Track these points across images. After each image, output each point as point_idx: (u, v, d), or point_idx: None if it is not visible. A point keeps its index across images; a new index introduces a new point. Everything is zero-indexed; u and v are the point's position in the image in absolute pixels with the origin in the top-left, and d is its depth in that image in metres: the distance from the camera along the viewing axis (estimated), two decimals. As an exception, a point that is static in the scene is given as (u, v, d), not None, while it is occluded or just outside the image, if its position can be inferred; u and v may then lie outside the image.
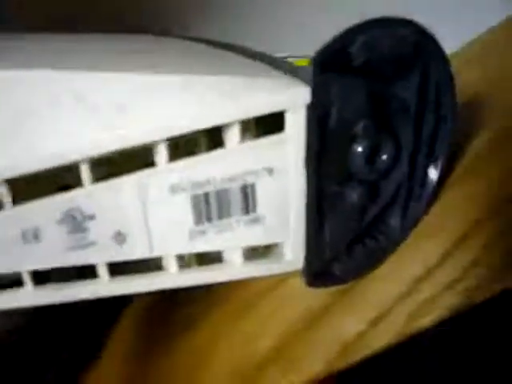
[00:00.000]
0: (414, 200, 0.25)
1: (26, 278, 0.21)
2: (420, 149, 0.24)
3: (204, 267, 0.23)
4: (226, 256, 0.23)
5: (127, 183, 0.21)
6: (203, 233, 0.22)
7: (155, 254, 0.22)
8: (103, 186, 0.20)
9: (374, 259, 0.25)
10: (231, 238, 0.22)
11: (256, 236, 0.23)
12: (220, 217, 0.22)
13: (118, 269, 0.22)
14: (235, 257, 0.23)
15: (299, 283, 0.24)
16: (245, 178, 0.22)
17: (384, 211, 0.24)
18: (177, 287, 0.22)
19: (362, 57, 0.21)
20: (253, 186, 0.22)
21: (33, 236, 0.20)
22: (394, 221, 0.25)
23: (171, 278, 0.22)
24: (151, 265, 0.22)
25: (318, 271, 0.24)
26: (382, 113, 0.23)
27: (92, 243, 0.21)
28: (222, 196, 0.22)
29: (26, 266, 0.20)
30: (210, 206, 0.22)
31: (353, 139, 0.22)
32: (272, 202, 0.22)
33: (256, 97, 0.21)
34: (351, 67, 0.21)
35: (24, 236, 0.20)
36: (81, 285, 0.22)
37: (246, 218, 0.22)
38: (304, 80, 0.21)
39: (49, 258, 0.20)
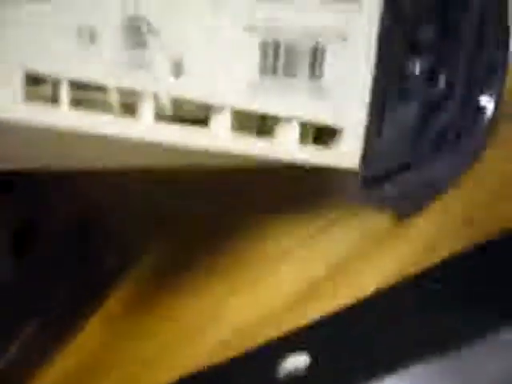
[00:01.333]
0: (466, 135, 0.24)
1: (63, 95, 0.18)
2: (475, 79, 0.24)
3: (259, 139, 0.22)
4: (279, 131, 0.22)
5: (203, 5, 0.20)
6: (266, 90, 0.21)
7: (211, 100, 0.21)
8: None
9: (423, 194, 0.24)
10: (293, 104, 0.22)
11: (318, 110, 0.22)
12: (286, 72, 0.21)
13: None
14: (290, 133, 0.22)
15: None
16: (317, 38, 0.22)
17: (436, 144, 0.24)
18: (222, 150, 0.21)
19: None
20: (323, 50, 0.22)
21: (89, 37, 0.18)
22: (444, 155, 0.24)
23: (223, 141, 0.21)
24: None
25: (372, 180, 0.24)
26: (446, 20, 0.23)
27: (148, 64, 0.19)
28: (291, 49, 0.21)
29: (70, 72, 0.18)
30: (278, 57, 0.21)
31: (414, 48, 0.23)
32: (339, 74, 0.22)
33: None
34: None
35: (79, 33, 0.18)
36: (116, 122, 0.19)
37: (311, 84, 0.22)
38: None
39: (99, 71, 0.19)
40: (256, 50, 0.21)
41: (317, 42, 0.22)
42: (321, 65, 0.22)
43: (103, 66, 0.18)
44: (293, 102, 0.22)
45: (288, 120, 0.22)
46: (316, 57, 0.22)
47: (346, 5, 0.22)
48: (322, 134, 0.23)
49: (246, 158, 0.22)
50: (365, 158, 0.23)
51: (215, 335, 0.23)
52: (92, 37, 0.18)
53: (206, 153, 0.21)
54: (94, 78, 0.19)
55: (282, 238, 0.28)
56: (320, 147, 0.23)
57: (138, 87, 0.19)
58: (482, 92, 0.25)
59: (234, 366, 0.21)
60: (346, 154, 0.23)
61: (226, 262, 0.28)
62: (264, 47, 0.21)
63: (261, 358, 0.21)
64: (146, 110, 0.20)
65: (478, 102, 0.24)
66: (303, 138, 0.23)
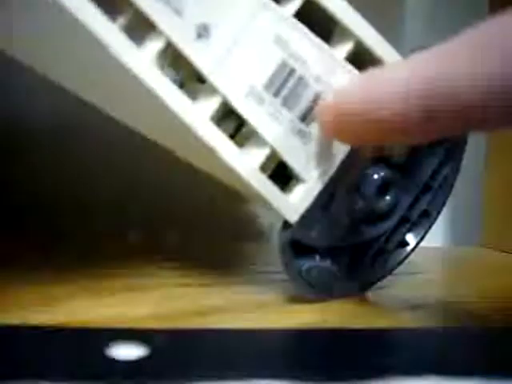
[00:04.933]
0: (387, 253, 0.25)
1: None
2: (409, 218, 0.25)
3: (229, 141, 0.22)
4: (247, 147, 0.22)
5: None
6: (261, 100, 0.22)
7: (212, 79, 0.21)
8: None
9: (323, 282, 0.24)
10: (274, 132, 0.22)
11: (293, 152, 0.22)
12: (284, 101, 0.22)
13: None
14: (257, 155, 0.22)
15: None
16: (325, 89, 0.22)
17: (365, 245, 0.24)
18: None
19: None
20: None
21: None
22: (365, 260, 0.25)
23: (200, 125, 0.21)
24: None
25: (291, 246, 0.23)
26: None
27: (181, 13, 0.20)
28: (299, 85, 0.22)
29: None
30: (285, 83, 0.22)
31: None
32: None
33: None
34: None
35: None
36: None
37: (297, 123, 0.22)
38: None
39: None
40: (274, 64, 0.22)
41: (322, 92, 0.23)
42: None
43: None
44: (275, 130, 0.22)
45: (262, 142, 0.22)
46: (314, 104, 0.22)
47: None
48: (278, 174, 0.23)
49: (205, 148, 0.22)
50: (302, 221, 0.23)
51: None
52: None
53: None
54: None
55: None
56: (272, 184, 0.23)
57: (157, 19, 0.20)
58: (410, 230, 0.25)
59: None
60: (291, 206, 0.23)
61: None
62: (281, 66, 0.22)
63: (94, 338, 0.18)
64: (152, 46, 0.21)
65: (403, 236, 0.25)
66: (264, 167, 0.22)
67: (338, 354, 0.18)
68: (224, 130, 0.22)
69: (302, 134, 0.23)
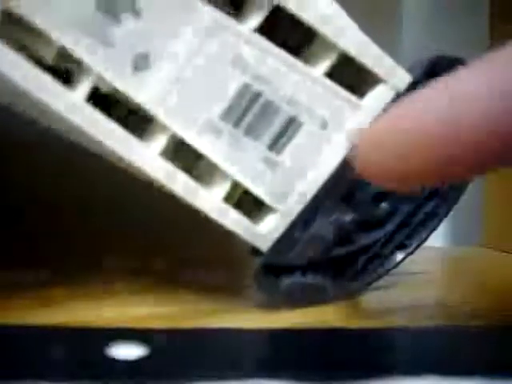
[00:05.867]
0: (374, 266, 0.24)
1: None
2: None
3: (186, 178, 0.20)
4: (208, 180, 0.20)
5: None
6: (219, 133, 0.19)
7: (157, 115, 0.19)
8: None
9: (308, 296, 0.23)
10: (236, 163, 0.20)
11: (260, 182, 0.20)
12: (248, 129, 0.20)
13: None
14: (218, 188, 0.20)
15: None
16: (300, 111, 0.20)
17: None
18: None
19: None
20: (297, 126, 0.20)
21: None
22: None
23: (150, 161, 0.19)
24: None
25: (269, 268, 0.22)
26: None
27: (112, 45, 0.18)
28: (267, 111, 0.20)
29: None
30: (248, 110, 0.19)
31: None
32: (299, 156, 0.20)
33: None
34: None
35: None
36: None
37: (265, 152, 0.20)
38: None
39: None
40: (232, 90, 0.19)
41: (297, 114, 0.20)
42: (288, 139, 0.20)
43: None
44: (238, 162, 0.20)
45: (224, 175, 0.20)
46: (287, 129, 0.20)
47: (346, 100, 0.21)
48: (245, 201, 0.21)
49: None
50: (276, 245, 0.21)
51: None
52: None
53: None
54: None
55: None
56: (238, 214, 0.21)
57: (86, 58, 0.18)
58: (410, 235, 0.24)
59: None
60: (262, 236, 0.21)
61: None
62: (242, 92, 0.19)
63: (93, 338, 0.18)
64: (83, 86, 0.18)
65: (393, 254, 0.24)
66: (228, 197, 0.21)
67: (337, 354, 0.18)
68: (181, 162, 0.20)
69: (271, 163, 0.20)
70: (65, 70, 0.19)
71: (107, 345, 0.17)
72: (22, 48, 0.18)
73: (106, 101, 0.19)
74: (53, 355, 0.16)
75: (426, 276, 0.32)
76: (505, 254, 0.40)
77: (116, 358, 0.16)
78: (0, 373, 0.14)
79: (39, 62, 0.18)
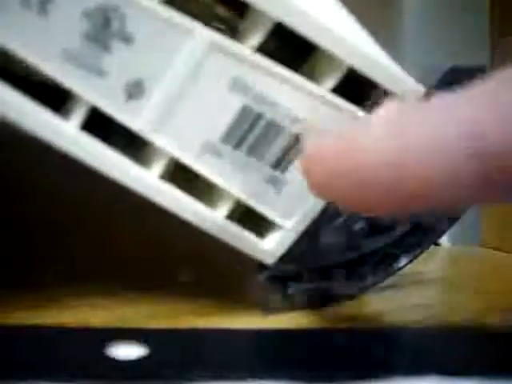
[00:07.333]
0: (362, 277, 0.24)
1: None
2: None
3: (189, 197, 0.20)
4: (210, 199, 0.20)
5: (196, 32, 0.17)
6: (219, 155, 0.19)
7: (154, 141, 0.18)
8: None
9: (314, 300, 0.23)
10: (240, 183, 0.20)
11: (263, 200, 0.20)
12: (250, 150, 0.19)
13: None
14: (221, 207, 0.20)
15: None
16: (305, 129, 0.19)
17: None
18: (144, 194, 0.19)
19: None
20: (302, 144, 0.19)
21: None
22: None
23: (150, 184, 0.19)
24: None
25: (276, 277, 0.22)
26: None
27: (104, 74, 0.17)
28: (269, 131, 0.19)
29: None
30: (250, 131, 0.19)
31: None
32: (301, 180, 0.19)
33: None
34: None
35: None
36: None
37: (268, 171, 0.20)
38: None
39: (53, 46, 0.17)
40: (232, 112, 0.19)
41: (301, 134, 0.19)
42: (293, 155, 0.20)
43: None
44: (240, 182, 0.20)
45: (226, 195, 0.20)
46: (291, 147, 0.19)
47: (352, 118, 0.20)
48: (248, 218, 0.21)
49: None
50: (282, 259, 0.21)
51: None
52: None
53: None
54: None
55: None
56: (242, 230, 0.20)
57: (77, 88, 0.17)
58: (423, 235, 0.24)
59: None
60: (267, 251, 0.21)
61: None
62: (242, 114, 0.19)
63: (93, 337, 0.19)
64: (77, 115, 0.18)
65: (400, 256, 0.24)
66: (230, 214, 0.20)
67: (337, 354, 0.18)
68: (182, 181, 0.20)
69: (275, 182, 0.20)
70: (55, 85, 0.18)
71: (107, 345, 0.17)
72: (11, 62, 0.17)
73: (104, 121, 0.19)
74: (53, 355, 0.16)
75: (425, 276, 0.32)
76: (505, 254, 0.40)
77: (116, 358, 0.16)
78: (0, 373, 0.15)
79: (29, 77, 0.18)
